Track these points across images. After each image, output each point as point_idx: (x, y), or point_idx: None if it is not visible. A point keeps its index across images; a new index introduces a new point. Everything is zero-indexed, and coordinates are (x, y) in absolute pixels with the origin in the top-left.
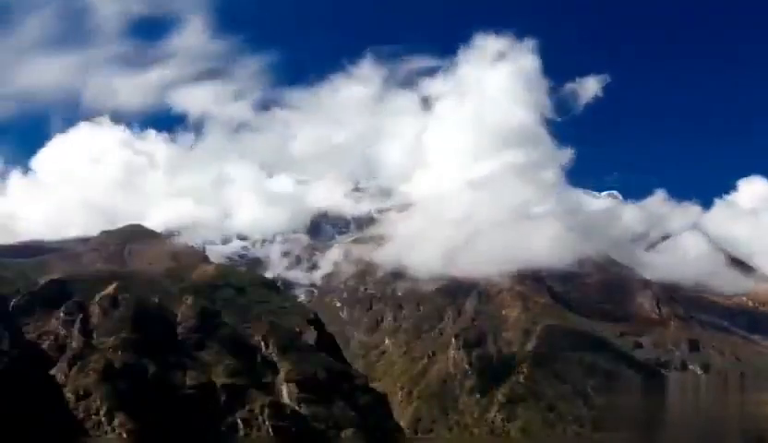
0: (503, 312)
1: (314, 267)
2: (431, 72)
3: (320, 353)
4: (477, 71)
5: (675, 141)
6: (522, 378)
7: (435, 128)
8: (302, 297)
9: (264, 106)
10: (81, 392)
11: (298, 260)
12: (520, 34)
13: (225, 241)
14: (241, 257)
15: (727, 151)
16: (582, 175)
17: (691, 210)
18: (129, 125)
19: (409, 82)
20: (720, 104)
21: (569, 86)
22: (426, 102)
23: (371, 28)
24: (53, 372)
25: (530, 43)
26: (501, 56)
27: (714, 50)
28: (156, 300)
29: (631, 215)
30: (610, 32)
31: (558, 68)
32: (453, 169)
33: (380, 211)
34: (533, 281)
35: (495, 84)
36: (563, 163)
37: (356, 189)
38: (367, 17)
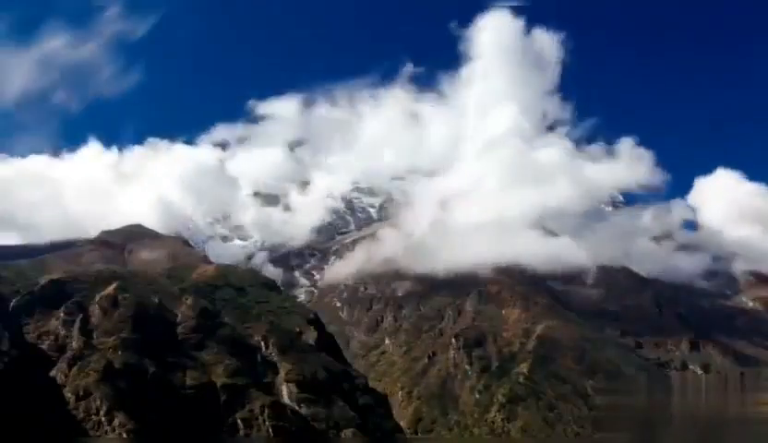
0: (503, 312)
1: (314, 267)
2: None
3: (320, 353)
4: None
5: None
6: (521, 378)
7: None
8: (302, 297)
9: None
10: (81, 392)
11: (298, 260)
12: None
13: (225, 241)
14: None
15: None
16: None
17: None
18: None
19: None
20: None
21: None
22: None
23: None
24: (53, 372)
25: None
26: None
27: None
28: (156, 300)
29: (632, 214)
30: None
31: None
32: (454, 170)
33: (381, 211)
34: (533, 281)
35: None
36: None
37: (357, 189)
38: None
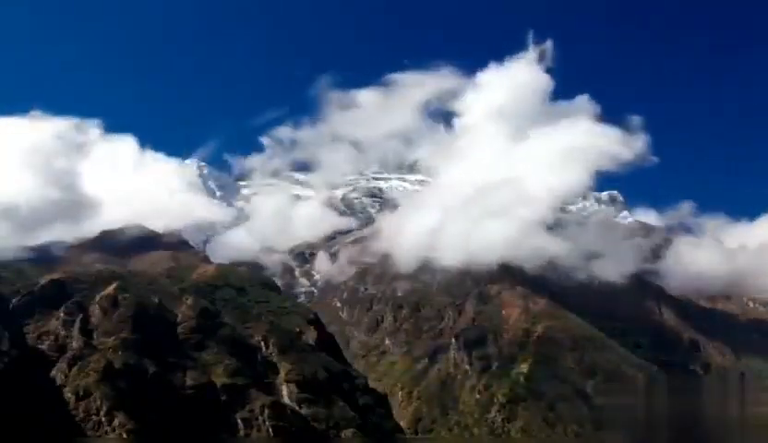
0: (503, 312)
1: (314, 267)
2: None
3: (320, 353)
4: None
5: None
6: (522, 379)
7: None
8: (302, 297)
9: None
10: (81, 392)
11: (298, 260)
12: None
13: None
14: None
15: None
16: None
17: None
18: None
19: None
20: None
21: None
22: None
23: None
24: (53, 372)
25: None
26: None
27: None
28: (156, 300)
29: (633, 215)
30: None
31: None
32: (453, 170)
33: (381, 211)
34: (533, 281)
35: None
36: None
37: (357, 189)
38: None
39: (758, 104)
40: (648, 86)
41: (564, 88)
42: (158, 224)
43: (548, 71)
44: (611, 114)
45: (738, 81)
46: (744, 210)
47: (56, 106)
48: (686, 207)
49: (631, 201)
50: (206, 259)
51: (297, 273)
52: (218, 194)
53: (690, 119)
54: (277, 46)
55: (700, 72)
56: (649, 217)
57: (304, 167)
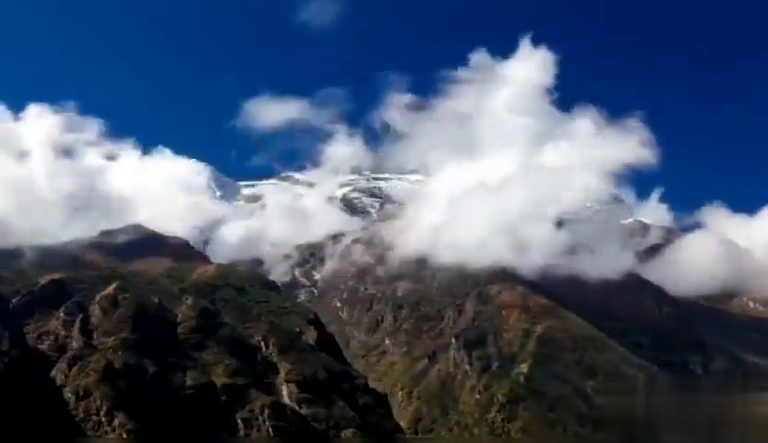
0: (503, 312)
1: (314, 267)
2: None
3: (320, 353)
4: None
5: None
6: (522, 378)
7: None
8: (302, 297)
9: None
10: (81, 392)
11: (298, 260)
12: None
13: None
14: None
15: None
16: None
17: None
18: None
19: None
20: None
21: None
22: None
23: None
24: (53, 372)
25: None
26: None
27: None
28: (156, 300)
29: (634, 215)
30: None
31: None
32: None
33: (382, 211)
34: (533, 281)
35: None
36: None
37: (357, 189)
38: None
39: (758, 104)
40: (649, 86)
41: (567, 88)
42: (158, 224)
43: (552, 71)
44: (613, 115)
45: (740, 81)
46: (744, 208)
47: (58, 107)
48: (689, 207)
49: (632, 200)
50: (206, 259)
51: (297, 273)
52: (218, 193)
53: (694, 118)
54: (279, 46)
55: (702, 72)
56: (650, 216)
57: (304, 166)
